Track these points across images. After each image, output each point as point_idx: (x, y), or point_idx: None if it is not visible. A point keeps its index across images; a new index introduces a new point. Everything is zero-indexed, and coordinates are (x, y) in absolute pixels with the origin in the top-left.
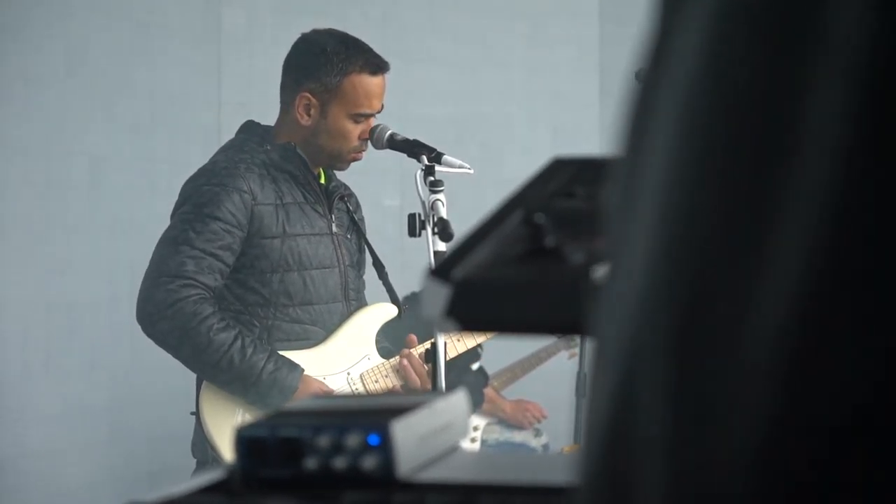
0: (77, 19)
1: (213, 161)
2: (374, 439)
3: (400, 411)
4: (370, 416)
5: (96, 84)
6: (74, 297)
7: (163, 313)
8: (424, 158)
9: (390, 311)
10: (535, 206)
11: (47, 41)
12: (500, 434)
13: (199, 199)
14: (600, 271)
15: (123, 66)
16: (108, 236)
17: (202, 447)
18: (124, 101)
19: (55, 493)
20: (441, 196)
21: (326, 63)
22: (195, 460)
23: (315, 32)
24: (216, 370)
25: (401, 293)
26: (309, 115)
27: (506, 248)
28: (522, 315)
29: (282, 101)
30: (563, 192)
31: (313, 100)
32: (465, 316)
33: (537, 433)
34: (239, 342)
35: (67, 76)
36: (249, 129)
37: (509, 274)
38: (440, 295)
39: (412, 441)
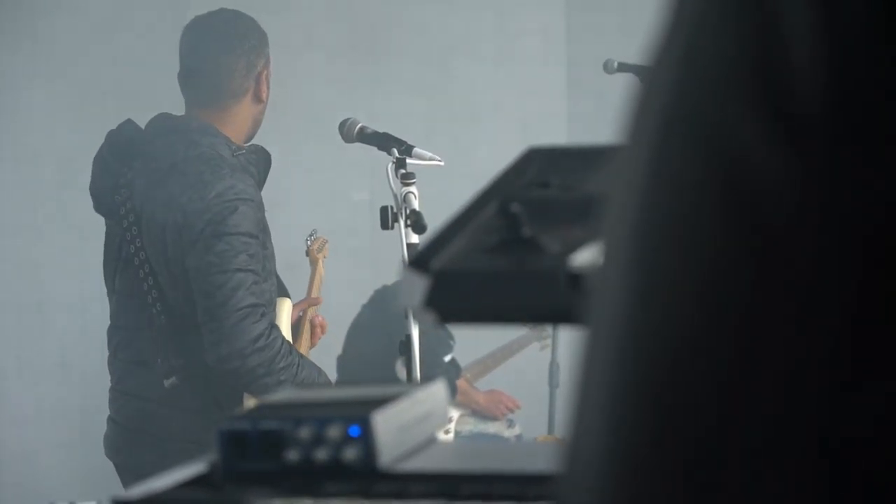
0: (44, 20)
1: (221, 167)
2: (354, 430)
3: (380, 402)
4: (350, 407)
5: (64, 84)
6: (45, 298)
7: (253, 346)
8: (395, 151)
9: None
10: (510, 196)
11: (14, 42)
12: (474, 426)
13: (235, 219)
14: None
15: (91, 67)
16: (78, 236)
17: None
18: (92, 101)
19: (30, 493)
20: (413, 188)
21: (260, 35)
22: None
23: (212, 18)
24: (288, 383)
25: (371, 287)
26: (264, 91)
27: (482, 239)
28: (501, 305)
29: (230, 92)
30: (538, 181)
31: (266, 74)
32: (444, 306)
33: (510, 424)
34: (300, 358)
35: (34, 77)
36: (204, 131)
37: (487, 264)
38: (418, 286)
39: (393, 432)
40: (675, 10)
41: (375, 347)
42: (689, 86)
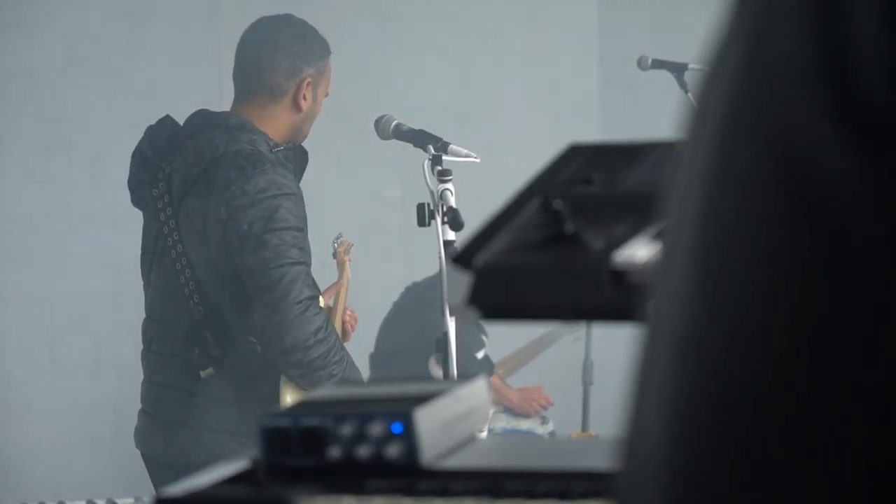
0: (76, 14)
1: (262, 162)
2: (397, 427)
3: (422, 399)
4: (392, 403)
5: (96, 79)
6: (78, 292)
7: (315, 338)
8: (431, 148)
9: None
10: (552, 192)
11: (47, 36)
12: (507, 422)
13: (284, 214)
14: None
15: (123, 61)
16: (110, 230)
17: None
18: (124, 95)
19: (62, 488)
20: (450, 185)
21: (318, 48)
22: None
23: (275, 18)
24: (339, 377)
25: (403, 284)
26: (305, 101)
27: (525, 235)
28: (545, 302)
29: (269, 90)
30: (580, 178)
31: (311, 84)
32: (487, 303)
33: (544, 421)
34: (346, 353)
35: (67, 71)
36: (242, 127)
37: (530, 261)
38: (462, 283)
39: (435, 428)
40: (737, 5)
41: (408, 344)
42: (752, 79)
